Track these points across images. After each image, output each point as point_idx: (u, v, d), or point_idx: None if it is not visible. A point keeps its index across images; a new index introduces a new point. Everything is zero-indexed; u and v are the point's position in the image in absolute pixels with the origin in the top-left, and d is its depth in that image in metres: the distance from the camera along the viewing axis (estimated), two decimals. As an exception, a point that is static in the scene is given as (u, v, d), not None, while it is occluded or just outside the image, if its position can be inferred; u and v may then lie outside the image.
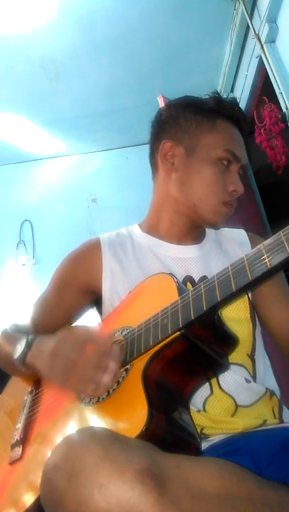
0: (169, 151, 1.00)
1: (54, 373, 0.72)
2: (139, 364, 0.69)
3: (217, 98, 1.00)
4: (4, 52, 2.38)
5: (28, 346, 0.83)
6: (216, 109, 0.99)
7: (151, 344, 0.69)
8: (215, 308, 0.65)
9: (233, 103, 1.01)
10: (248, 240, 1.04)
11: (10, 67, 2.48)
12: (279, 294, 0.95)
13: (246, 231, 1.07)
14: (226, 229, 1.08)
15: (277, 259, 0.57)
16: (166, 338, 0.68)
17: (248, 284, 0.60)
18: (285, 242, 0.56)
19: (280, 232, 0.59)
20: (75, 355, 0.69)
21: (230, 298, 0.63)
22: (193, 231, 1.02)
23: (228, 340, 0.73)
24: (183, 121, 0.99)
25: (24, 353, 0.82)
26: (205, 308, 0.64)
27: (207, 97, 1.01)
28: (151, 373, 0.67)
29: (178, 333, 0.67)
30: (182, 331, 0.67)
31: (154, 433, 0.59)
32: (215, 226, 1.00)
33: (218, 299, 0.63)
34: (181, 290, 0.75)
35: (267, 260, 0.58)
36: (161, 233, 1.01)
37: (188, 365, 0.70)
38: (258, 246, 0.61)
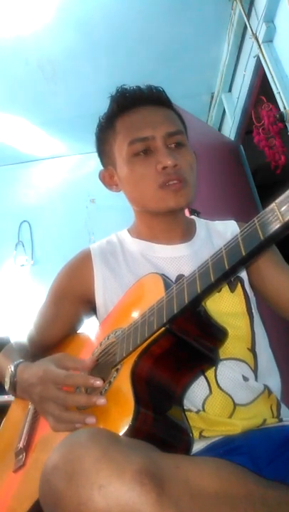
0: (105, 177, 1.06)
1: (47, 418, 0.74)
2: (128, 363, 0.69)
3: (111, 100, 1.01)
4: (1, 53, 2.38)
5: (14, 376, 0.86)
6: (111, 114, 1.01)
7: (138, 342, 0.69)
8: (196, 301, 0.65)
9: (122, 92, 1.00)
10: (238, 230, 1.03)
11: (7, 68, 2.48)
12: (276, 267, 0.96)
13: (237, 221, 1.07)
14: (217, 222, 1.08)
15: (251, 246, 0.57)
16: (153, 334, 0.68)
17: (225, 273, 0.60)
18: (259, 228, 0.57)
19: (254, 218, 0.59)
20: (60, 401, 0.71)
21: (209, 289, 0.63)
22: (177, 229, 1.01)
23: (216, 333, 0.72)
24: (100, 146, 1.07)
25: (13, 386, 0.85)
26: (186, 301, 0.64)
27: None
28: (140, 371, 0.67)
29: (163, 328, 0.67)
30: (167, 326, 0.67)
31: (141, 429, 0.59)
32: (174, 209, 0.95)
33: (199, 291, 0.63)
34: (167, 287, 0.75)
35: (242, 248, 0.58)
36: (148, 237, 1.02)
37: (177, 361, 0.70)
38: (235, 234, 0.61)
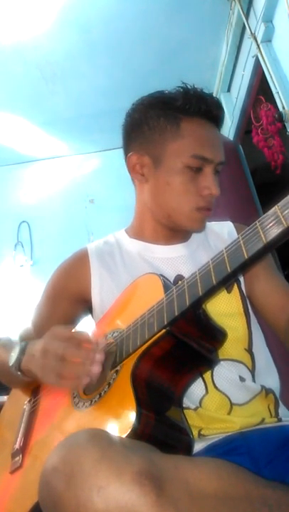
0: (136, 163, 0.98)
1: (47, 373, 0.72)
2: (128, 364, 0.69)
3: (182, 94, 0.94)
4: (0, 54, 2.38)
5: (22, 352, 0.83)
6: (181, 109, 0.92)
7: (138, 344, 0.69)
8: (198, 303, 0.65)
9: (201, 96, 0.94)
10: (234, 231, 1.04)
11: (6, 68, 2.48)
12: (271, 281, 0.96)
13: (233, 222, 1.07)
14: (212, 222, 1.07)
15: (254, 249, 0.57)
16: (153, 336, 0.68)
17: (227, 276, 0.60)
18: (261, 232, 0.56)
19: (256, 221, 0.59)
20: (63, 350, 0.70)
21: (211, 291, 0.63)
22: (178, 232, 1.01)
23: (215, 335, 0.73)
24: (146, 129, 0.96)
25: (19, 359, 0.83)
26: (188, 304, 0.64)
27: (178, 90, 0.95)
28: (140, 373, 0.67)
29: (164, 330, 0.67)
30: (168, 328, 0.67)
31: (144, 431, 0.59)
32: (195, 231, 0.98)
33: (200, 293, 0.63)
34: (166, 288, 0.75)
35: (244, 251, 0.58)
36: (148, 237, 1.02)
37: (177, 363, 0.70)
38: (236, 237, 0.61)
